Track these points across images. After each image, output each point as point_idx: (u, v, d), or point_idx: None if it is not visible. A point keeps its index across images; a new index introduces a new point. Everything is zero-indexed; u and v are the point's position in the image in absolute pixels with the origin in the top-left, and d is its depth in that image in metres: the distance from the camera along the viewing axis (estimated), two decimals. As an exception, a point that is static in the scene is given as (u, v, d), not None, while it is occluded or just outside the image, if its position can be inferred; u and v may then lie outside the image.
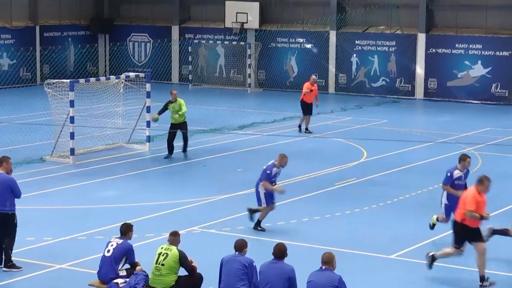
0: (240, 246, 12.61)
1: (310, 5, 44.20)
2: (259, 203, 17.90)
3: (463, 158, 16.98)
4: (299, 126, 30.85)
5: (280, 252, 12.12)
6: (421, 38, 41.51)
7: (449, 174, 16.93)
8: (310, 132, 30.46)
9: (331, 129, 31.55)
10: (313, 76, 32.85)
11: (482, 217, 14.57)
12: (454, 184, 16.86)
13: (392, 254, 16.39)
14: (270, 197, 17.89)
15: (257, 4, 44.22)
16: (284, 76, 44.46)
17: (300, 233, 17.78)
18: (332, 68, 43.40)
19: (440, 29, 41.70)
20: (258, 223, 17.93)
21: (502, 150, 27.52)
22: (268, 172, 17.73)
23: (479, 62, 40.43)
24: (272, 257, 12.13)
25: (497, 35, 40.29)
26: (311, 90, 30.96)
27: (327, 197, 21.25)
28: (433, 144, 28.44)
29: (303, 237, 17.36)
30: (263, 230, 17.80)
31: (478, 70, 40.52)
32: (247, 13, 43.92)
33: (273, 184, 17.82)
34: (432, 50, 41.40)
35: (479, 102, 40.15)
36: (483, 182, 14.68)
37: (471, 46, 40.59)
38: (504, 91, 40.13)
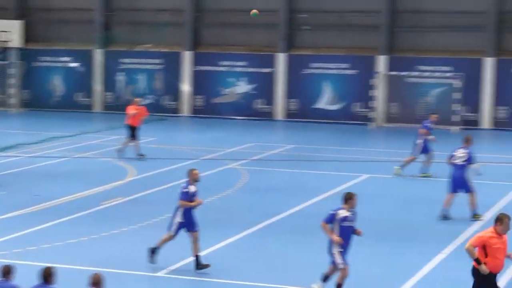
0: (6, 271, 12.11)
1: (75, 23, 43.60)
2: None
3: (350, 197, 14.37)
4: (120, 150, 29.09)
5: (46, 274, 11.79)
6: (187, 55, 41.99)
7: (332, 213, 14.33)
8: (143, 155, 28.91)
9: (98, 148, 31.16)
10: (137, 99, 31.16)
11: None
12: (341, 226, 14.25)
13: (159, 271, 16.33)
14: (191, 224, 16.55)
15: (20, 22, 43.05)
16: (50, 96, 43.57)
17: (68, 254, 17.36)
18: (98, 87, 42.99)
19: (206, 47, 42.36)
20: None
21: (266, 165, 28.27)
22: (185, 190, 16.47)
23: (244, 79, 41.43)
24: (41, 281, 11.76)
25: (260, 52, 41.45)
26: (136, 113, 29.42)
27: (94, 218, 20.90)
28: (199, 160, 28.74)
29: (71, 259, 16.94)
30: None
31: (243, 87, 41.51)
32: (9, 31, 42.64)
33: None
34: (198, 68, 41.98)
35: (243, 118, 41.11)
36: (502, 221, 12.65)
37: (235, 63, 41.52)
38: (267, 107, 41.33)
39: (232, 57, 41.65)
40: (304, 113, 41.32)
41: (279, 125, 40.90)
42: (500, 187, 25.01)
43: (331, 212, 14.32)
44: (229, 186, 24.62)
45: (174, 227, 16.46)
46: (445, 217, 20.83)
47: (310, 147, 33.13)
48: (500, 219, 12.55)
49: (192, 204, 16.37)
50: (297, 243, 18.41)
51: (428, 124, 26.85)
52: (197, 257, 16.30)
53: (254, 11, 25.05)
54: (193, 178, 16.52)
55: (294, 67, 41.32)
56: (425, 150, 26.57)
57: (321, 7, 41.21)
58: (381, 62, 40.32)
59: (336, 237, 14.20)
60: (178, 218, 16.41)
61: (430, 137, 26.51)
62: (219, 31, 42.10)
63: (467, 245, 12.65)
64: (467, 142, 21.46)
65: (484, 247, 12.49)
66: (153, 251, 16.56)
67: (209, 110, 41.79)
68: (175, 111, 42.09)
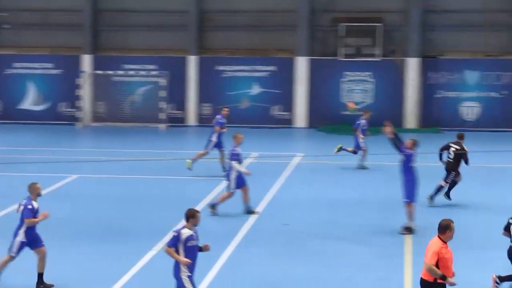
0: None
1: None
2: None
3: (192, 215, 13.21)
4: None
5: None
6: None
7: (175, 234, 13.13)
8: None
9: None
10: None
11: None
12: (186, 247, 13.08)
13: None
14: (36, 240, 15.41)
15: None
16: None
17: None
18: None
19: None
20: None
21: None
22: (30, 207, 15.20)
23: None
24: None
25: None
26: None
27: None
28: None
29: None
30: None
31: None
32: None
33: None
34: None
35: None
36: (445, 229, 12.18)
37: None
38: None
39: None
40: (8, 115, 40.10)
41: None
42: (207, 182, 25.63)
43: (174, 234, 13.08)
44: None
45: (15, 248, 15.26)
46: (249, 211, 21.25)
47: (14, 149, 32.14)
48: (448, 226, 12.04)
49: (38, 220, 15.25)
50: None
51: (221, 120, 26.94)
52: (41, 275, 15.32)
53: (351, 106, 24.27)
54: (36, 193, 15.44)
55: None
56: (219, 145, 26.69)
57: (60, 6, 40.18)
58: (86, 61, 40.01)
59: (184, 259, 12.94)
60: (20, 238, 15.24)
61: (223, 130, 26.74)
62: None
63: (427, 265, 11.93)
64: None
65: (437, 260, 11.99)
66: None
67: None
68: None
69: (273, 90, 38.77)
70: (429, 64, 37.34)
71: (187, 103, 39.50)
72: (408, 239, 19.18)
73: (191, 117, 39.52)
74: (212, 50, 39.77)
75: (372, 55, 37.47)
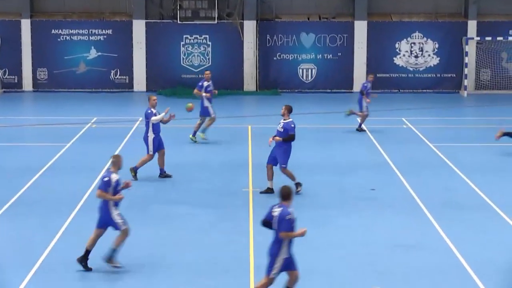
0: None
1: None
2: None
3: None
4: None
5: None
6: None
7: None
8: None
9: None
10: None
11: None
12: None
13: None
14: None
15: None
16: None
17: None
18: None
19: None
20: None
21: None
22: (106, 179, 14.80)
23: None
24: None
25: None
26: None
27: None
28: None
29: None
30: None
31: None
32: None
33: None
34: None
35: None
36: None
37: None
38: None
39: None
40: None
41: None
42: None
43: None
44: None
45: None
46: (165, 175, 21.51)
47: None
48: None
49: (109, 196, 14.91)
50: None
51: (200, 83, 26.21)
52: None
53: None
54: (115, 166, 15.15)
55: None
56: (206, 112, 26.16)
57: None
58: None
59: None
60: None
61: (207, 95, 26.13)
62: None
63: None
64: None
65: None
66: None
67: None
68: None
69: (110, 54, 38.19)
70: (266, 27, 37.69)
71: (22, 68, 38.38)
72: (251, 201, 19.45)
73: (27, 83, 38.44)
74: (46, 13, 38.70)
75: (210, 18, 37.48)
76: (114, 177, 14.83)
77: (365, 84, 28.02)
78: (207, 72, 26.80)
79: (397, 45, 37.59)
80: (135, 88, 38.25)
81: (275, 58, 37.82)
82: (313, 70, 37.79)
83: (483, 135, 27.22)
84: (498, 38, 36.71)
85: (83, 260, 14.83)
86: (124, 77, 38.30)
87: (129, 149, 24.49)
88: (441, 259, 15.64)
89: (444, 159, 23.86)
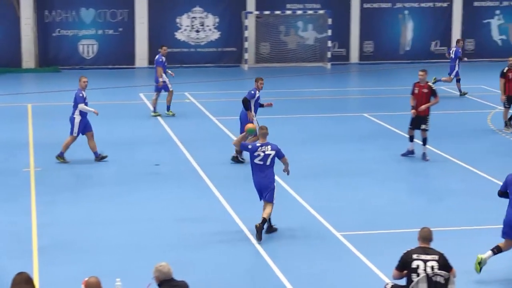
0: None
1: None
2: None
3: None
4: None
5: None
6: None
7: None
8: None
9: None
10: None
11: None
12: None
13: None
14: None
15: None
16: None
17: None
18: None
19: None
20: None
21: None
22: None
23: None
24: None
25: None
26: None
27: None
28: None
29: None
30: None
31: None
32: None
33: None
34: None
35: None
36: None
37: None
38: None
39: None
40: None
41: None
42: None
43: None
44: None
45: None
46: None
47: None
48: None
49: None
50: None
51: (160, 59, 26.05)
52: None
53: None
54: None
55: None
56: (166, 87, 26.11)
57: None
58: None
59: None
60: None
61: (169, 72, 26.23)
62: None
63: None
64: None
65: None
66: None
67: None
68: None
69: None
70: (43, 2, 36.67)
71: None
72: (33, 181, 19.01)
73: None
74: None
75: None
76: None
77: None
78: None
79: (178, 20, 37.69)
80: None
81: (54, 34, 36.90)
82: (94, 46, 37.21)
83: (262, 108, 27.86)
84: (276, 12, 37.60)
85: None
86: None
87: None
88: (225, 229, 15.93)
89: (226, 131, 24.26)
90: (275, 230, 15.74)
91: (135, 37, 37.31)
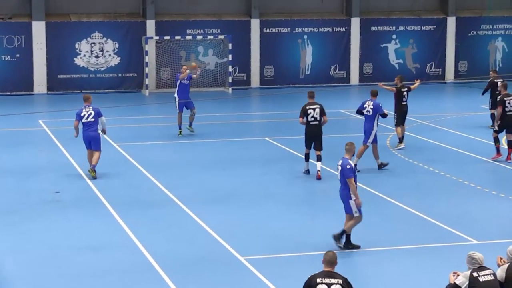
0: None
1: None
2: None
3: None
4: None
5: None
6: None
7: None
8: None
9: None
10: None
11: None
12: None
13: None
14: None
15: None
16: None
17: None
18: None
19: None
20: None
21: None
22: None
23: None
24: None
25: None
26: None
27: None
28: None
29: None
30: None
31: None
32: None
33: None
34: None
35: None
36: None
37: None
38: None
39: None
40: None
41: None
42: None
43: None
44: None
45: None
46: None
47: None
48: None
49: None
50: None
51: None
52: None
53: None
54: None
55: None
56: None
57: None
58: None
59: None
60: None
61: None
62: None
63: None
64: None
65: None
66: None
67: None
68: None
69: None
70: None
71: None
72: None
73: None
74: None
75: None
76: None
77: None
78: None
79: (77, 45, 37.20)
80: None
81: None
82: (-9, 71, 36.46)
83: (164, 132, 27.74)
84: (176, 37, 37.52)
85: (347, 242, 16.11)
86: None
87: None
88: (129, 257, 15.70)
89: (127, 157, 24.01)
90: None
91: (33, 63, 36.67)
